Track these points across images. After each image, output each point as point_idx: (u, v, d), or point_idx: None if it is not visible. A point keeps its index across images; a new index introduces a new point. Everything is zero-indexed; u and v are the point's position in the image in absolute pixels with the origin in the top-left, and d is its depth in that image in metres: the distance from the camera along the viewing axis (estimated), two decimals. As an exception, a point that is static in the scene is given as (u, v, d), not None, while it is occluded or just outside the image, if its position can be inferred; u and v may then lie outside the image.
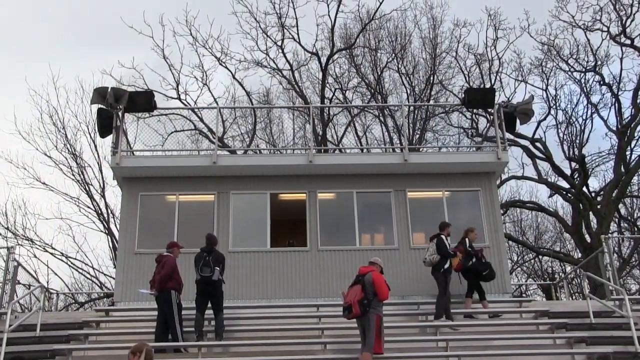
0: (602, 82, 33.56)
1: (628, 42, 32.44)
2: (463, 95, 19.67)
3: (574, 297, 33.09)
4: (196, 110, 31.60)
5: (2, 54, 65.42)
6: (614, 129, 32.83)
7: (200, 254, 14.31)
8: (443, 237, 15.64)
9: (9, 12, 64.16)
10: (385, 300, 12.50)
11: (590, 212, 32.09)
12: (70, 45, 69.74)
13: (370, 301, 12.28)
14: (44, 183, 33.40)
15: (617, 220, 35.06)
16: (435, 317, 14.87)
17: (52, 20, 69.73)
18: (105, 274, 33.91)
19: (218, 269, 14.03)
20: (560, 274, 38.07)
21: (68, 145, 33.38)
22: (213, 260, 14.10)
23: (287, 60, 36.34)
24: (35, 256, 32.46)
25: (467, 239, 16.22)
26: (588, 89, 34.10)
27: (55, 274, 36.44)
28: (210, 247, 14.38)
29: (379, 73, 37.48)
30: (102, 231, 33.55)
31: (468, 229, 16.48)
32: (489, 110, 20.88)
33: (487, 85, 33.54)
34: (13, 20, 67.34)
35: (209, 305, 14.20)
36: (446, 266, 15.36)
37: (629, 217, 36.88)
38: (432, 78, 36.68)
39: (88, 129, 33.42)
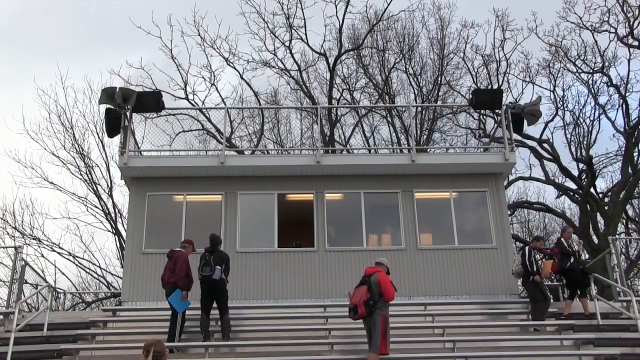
0: (609, 84, 33.46)
1: (635, 43, 32.33)
2: (471, 96, 19.66)
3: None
4: (204, 110, 31.59)
5: (10, 53, 65.68)
6: (622, 130, 32.77)
7: (203, 254, 14.32)
8: (527, 249, 15.63)
9: (17, 12, 64.43)
10: (391, 301, 12.50)
11: (598, 214, 32.00)
12: (78, 46, 69.99)
13: (376, 302, 12.28)
14: (51, 183, 33.51)
15: (624, 221, 34.94)
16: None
17: (60, 20, 70.01)
18: (112, 274, 34.01)
19: (219, 268, 13.96)
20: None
21: (76, 145, 33.48)
22: (214, 259, 14.05)
23: (295, 61, 36.39)
24: (42, 256, 32.50)
25: (562, 239, 16.30)
26: (595, 90, 34.05)
27: (63, 274, 36.72)
28: (213, 247, 14.37)
29: (387, 74, 37.48)
30: (109, 231, 33.66)
31: (562, 228, 16.60)
32: (497, 111, 20.84)
33: (495, 86, 33.51)
34: (21, 20, 67.61)
35: (215, 305, 14.20)
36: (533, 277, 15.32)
37: (637, 218, 36.79)
38: (439, 79, 36.69)
39: (96, 128, 33.52)
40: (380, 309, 12.30)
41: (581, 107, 35.49)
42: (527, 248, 15.58)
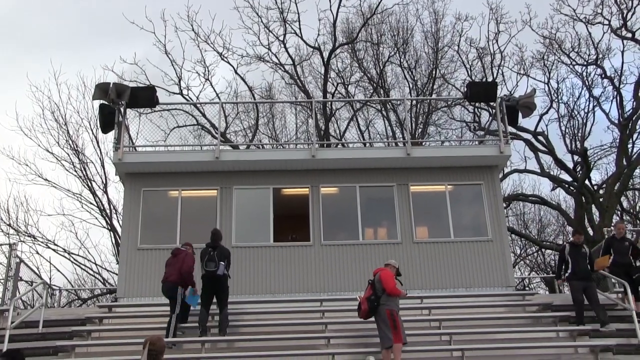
0: (603, 75, 33.56)
1: (629, 35, 32.42)
2: (465, 89, 19.65)
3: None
4: (198, 105, 31.53)
5: (3, 50, 65.44)
6: (616, 122, 32.86)
7: (206, 249, 14.26)
8: (562, 247, 15.58)
9: (9, 8, 64.18)
10: (395, 295, 12.61)
11: (593, 205, 32.07)
12: (71, 42, 69.78)
13: (378, 297, 12.52)
14: (46, 179, 33.43)
15: (619, 212, 35.04)
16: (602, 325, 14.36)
17: (53, 16, 69.72)
18: (108, 270, 33.99)
19: (223, 263, 13.95)
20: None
21: (70, 142, 33.43)
22: (218, 255, 14.03)
23: (290, 55, 36.37)
24: (37, 253, 32.49)
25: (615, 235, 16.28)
26: (590, 82, 34.14)
27: (58, 271, 36.61)
28: (215, 242, 14.32)
29: (381, 67, 37.47)
30: (104, 227, 33.62)
31: (613, 224, 16.47)
32: (492, 103, 20.83)
33: (489, 79, 33.52)
34: (14, 16, 67.33)
35: (214, 300, 14.18)
36: (567, 273, 15.24)
37: (631, 210, 36.95)
38: (434, 72, 36.69)
39: (90, 124, 33.50)
40: (384, 303, 12.49)
41: (575, 99, 35.60)
42: (562, 246, 15.54)
